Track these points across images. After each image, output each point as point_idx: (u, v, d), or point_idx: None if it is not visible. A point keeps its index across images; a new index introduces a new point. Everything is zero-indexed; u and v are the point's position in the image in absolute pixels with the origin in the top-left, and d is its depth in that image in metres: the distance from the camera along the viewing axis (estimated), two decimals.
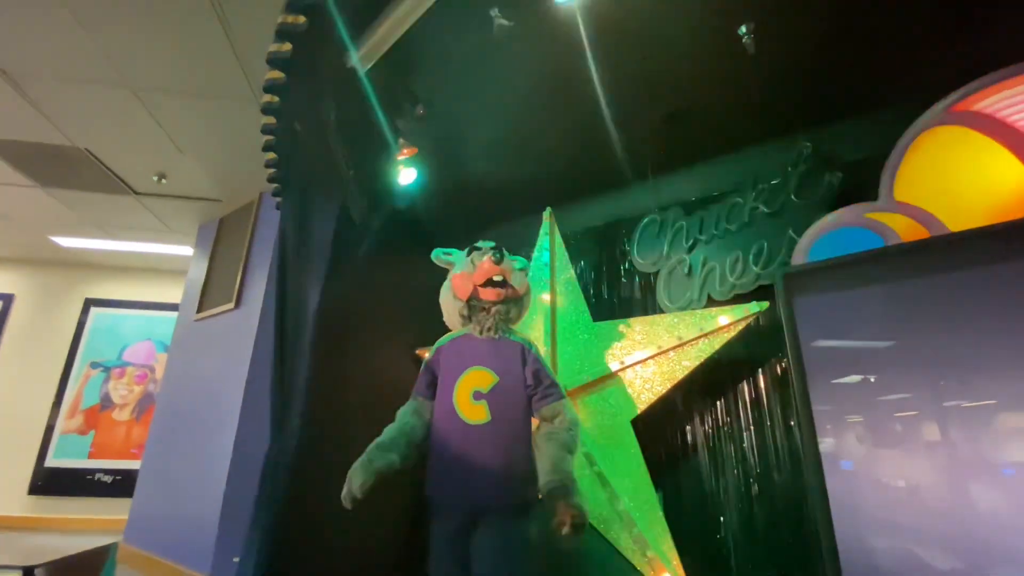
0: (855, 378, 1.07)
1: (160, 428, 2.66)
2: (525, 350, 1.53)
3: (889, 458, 1.07)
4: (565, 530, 1.25)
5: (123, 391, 3.71)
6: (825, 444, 1.07)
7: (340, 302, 2.14)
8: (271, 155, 1.77)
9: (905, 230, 1.11)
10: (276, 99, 1.52)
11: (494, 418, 1.45)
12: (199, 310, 2.73)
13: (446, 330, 2.60)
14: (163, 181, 2.60)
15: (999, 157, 1.01)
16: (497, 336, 1.56)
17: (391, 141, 1.98)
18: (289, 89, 1.51)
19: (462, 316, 1.63)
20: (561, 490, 1.31)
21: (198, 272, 2.92)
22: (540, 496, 1.51)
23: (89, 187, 2.69)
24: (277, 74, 1.41)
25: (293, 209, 1.97)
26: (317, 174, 2.04)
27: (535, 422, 1.59)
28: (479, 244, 1.61)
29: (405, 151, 1.94)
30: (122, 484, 3.47)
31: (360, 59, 1.65)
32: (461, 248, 1.70)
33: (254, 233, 2.62)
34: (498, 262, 1.52)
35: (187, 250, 3.48)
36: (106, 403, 3.68)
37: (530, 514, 1.47)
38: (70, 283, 3.91)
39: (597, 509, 1.83)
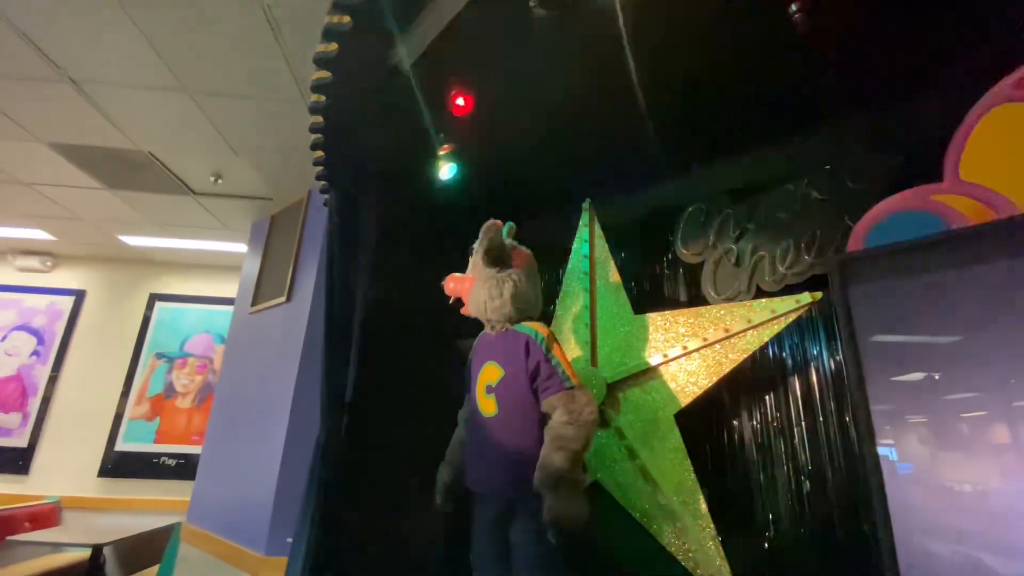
0: (917, 375, 1.01)
1: (219, 415, 2.82)
2: (530, 342, 1.50)
3: (953, 460, 1.00)
4: (548, 534, 1.26)
5: (185, 380, 3.96)
6: (883, 445, 1.01)
7: (383, 296, 2.20)
8: (319, 153, 1.83)
9: (973, 212, 1.03)
10: (323, 98, 1.57)
11: (501, 410, 1.49)
12: (253, 304, 2.86)
13: (483, 325, 2.65)
14: (219, 181, 2.74)
15: None
16: (503, 330, 1.59)
17: (433, 136, 2.00)
18: (335, 88, 1.55)
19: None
20: (541, 490, 1.30)
21: (252, 267, 3.06)
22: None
23: (151, 188, 2.87)
24: (324, 73, 1.46)
25: (339, 205, 2.04)
26: (361, 171, 2.10)
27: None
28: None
29: (445, 147, 1.96)
30: (184, 468, 3.70)
31: (403, 56, 1.68)
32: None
33: (303, 229, 2.72)
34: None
35: (241, 247, 3.66)
36: (170, 392, 3.93)
37: None
38: (136, 279, 4.19)
39: (639, 502, 1.81)
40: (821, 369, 1.74)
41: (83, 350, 4.01)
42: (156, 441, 3.79)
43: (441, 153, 1.99)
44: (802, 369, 1.78)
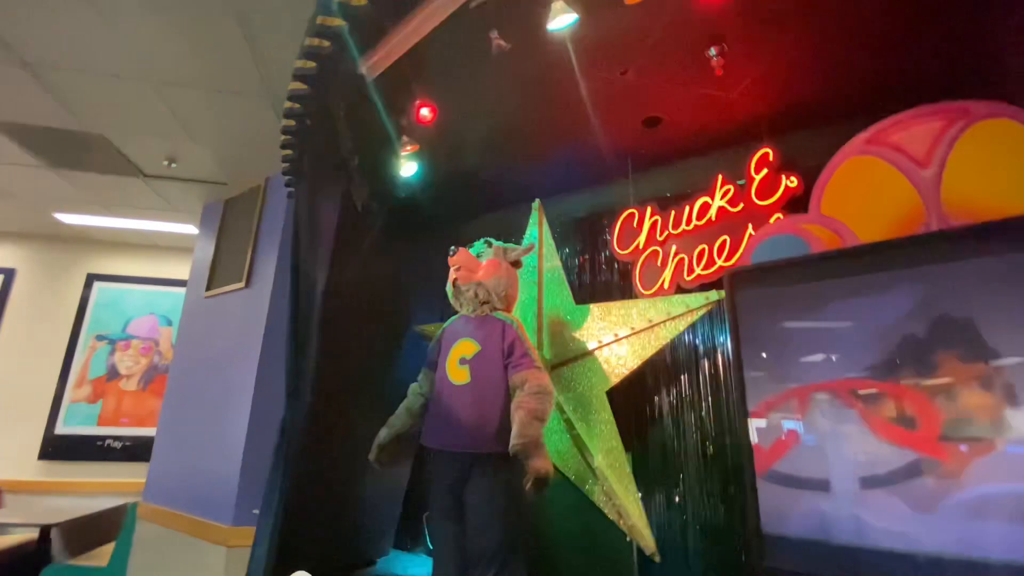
0: (780, 351, 1.31)
1: (175, 396, 2.86)
2: (506, 326, 1.82)
3: (798, 418, 1.32)
4: (528, 486, 1.55)
5: (129, 363, 3.88)
6: (752, 403, 1.31)
7: (344, 284, 2.35)
8: (287, 152, 1.94)
9: (828, 239, 1.36)
10: (298, 106, 1.69)
11: (474, 379, 1.74)
12: (209, 288, 2.90)
13: (437, 311, 2.87)
14: (172, 165, 2.74)
15: (898, 183, 1.26)
16: (483, 314, 1.88)
17: (394, 138, 2.16)
18: (309, 97, 1.68)
19: (454, 299, 1.96)
20: (523, 453, 1.56)
21: (205, 251, 3.07)
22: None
23: (99, 169, 2.81)
24: (301, 86, 1.59)
25: (304, 196, 2.15)
26: (325, 165, 2.22)
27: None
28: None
29: (408, 147, 2.12)
30: (132, 449, 3.68)
31: (369, 68, 1.83)
32: (454, 235, 2.05)
33: (261, 216, 2.78)
34: (452, 254, 1.92)
35: (190, 228, 3.61)
36: (113, 374, 3.85)
37: (512, 464, 1.74)
38: (72, 258, 4.02)
39: (575, 466, 2.11)
40: (725, 354, 2.09)
41: (15, 330, 3.83)
42: (100, 423, 3.72)
43: (404, 153, 2.15)
44: (710, 354, 2.12)
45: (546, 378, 1.75)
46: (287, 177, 2.15)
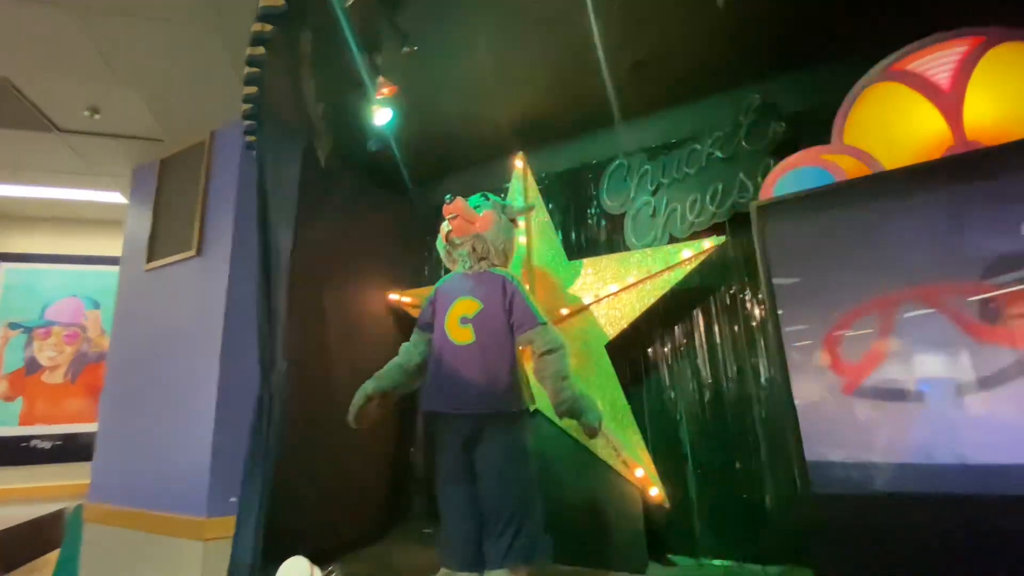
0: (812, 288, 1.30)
1: (118, 385, 2.53)
2: (506, 282, 1.73)
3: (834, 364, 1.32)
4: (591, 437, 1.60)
5: (51, 352, 3.41)
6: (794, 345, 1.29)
7: (313, 244, 2.14)
8: (248, 106, 1.70)
9: (853, 168, 1.36)
10: (262, 50, 1.47)
11: (478, 339, 1.65)
12: (150, 260, 2.56)
13: (418, 271, 2.72)
14: (95, 116, 2.35)
15: (924, 109, 1.27)
16: (481, 270, 1.78)
17: (367, 80, 1.95)
18: (274, 40, 1.46)
19: (447, 255, 1.84)
20: (571, 414, 1.59)
21: (140, 220, 2.70)
22: (530, 409, 1.78)
23: (1, 123, 2.37)
24: (265, 27, 1.37)
25: (269, 149, 1.91)
26: (290, 115, 1.98)
27: (525, 354, 1.80)
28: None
29: (385, 89, 1.92)
30: (64, 449, 3.26)
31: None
32: (430, 193, 1.89)
33: (208, 176, 2.47)
34: (448, 202, 1.75)
35: (116, 196, 3.17)
36: (33, 366, 3.37)
37: (521, 423, 1.69)
38: None
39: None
40: (718, 301, 2.10)
41: None
42: (22, 423, 3.27)
43: (379, 96, 1.95)
44: (705, 303, 2.13)
45: (553, 332, 1.70)
46: (248, 126, 1.89)
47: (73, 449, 3.21)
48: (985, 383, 1.06)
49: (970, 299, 1.10)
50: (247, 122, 1.87)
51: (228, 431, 2.08)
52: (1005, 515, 1.04)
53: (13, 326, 3.41)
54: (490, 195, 1.91)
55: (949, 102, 1.24)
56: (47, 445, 3.29)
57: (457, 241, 1.78)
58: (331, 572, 1.77)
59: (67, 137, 2.55)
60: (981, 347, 1.08)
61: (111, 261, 3.51)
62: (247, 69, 1.60)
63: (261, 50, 1.49)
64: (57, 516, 2.93)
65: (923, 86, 1.27)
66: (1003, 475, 1.03)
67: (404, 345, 1.85)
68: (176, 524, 2.07)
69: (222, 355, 2.17)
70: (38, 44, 1.94)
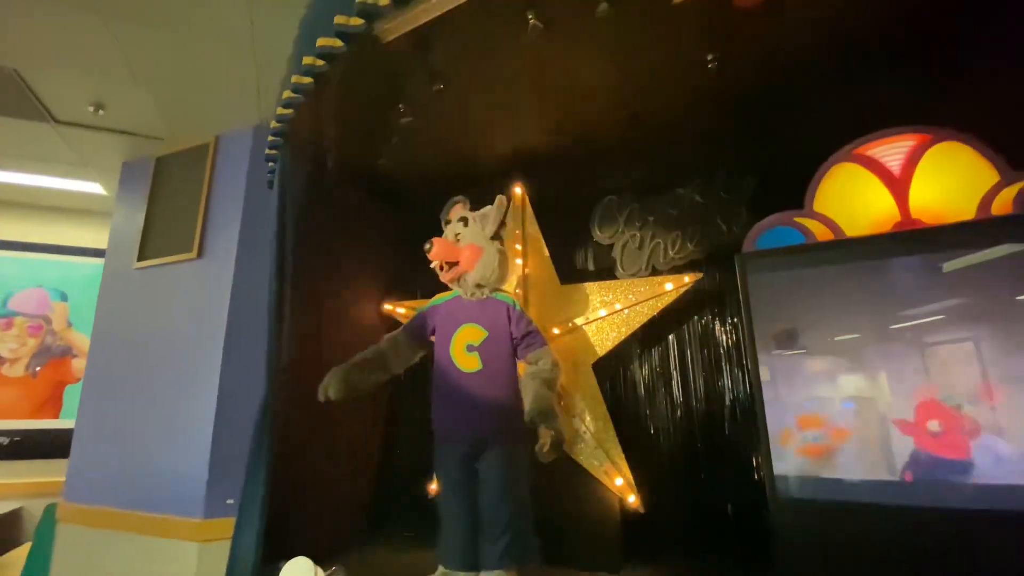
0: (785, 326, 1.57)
1: (101, 381, 2.49)
2: (510, 308, 1.84)
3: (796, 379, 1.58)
4: (545, 449, 1.61)
5: (12, 344, 3.24)
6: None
7: (317, 254, 2.23)
8: (287, 111, 1.79)
9: (821, 233, 1.63)
10: (310, 81, 1.57)
11: (485, 366, 1.75)
12: (141, 257, 2.54)
13: (412, 284, 2.81)
14: (100, 112, 2.33)
15: (878, 189, 1.56)
16: (483, 297, 1.84)
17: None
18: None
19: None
20: (540, 417, 1.64)
21: (130, 215, 2.67)
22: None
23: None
24: (318, 61, 1.49)
25: (287, 165, 2.00)
26: (311, 134, 2.07)
27: (521, 367, 1.95)
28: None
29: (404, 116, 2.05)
30: (23, 446, 3.11)
31: (382, 32, 1.74)
32: (437, 202, 1.98)
33: (212, 179, 2.49)
34: (428, 251, 1.74)
35: (94, 187, 3.09)
36: None
37: (524, 438, 1.83)
38: None
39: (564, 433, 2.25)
40: (693, 330, 2.36)
41: None
42: None
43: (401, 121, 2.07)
44: (680, 331, 2.38)
45: (554, 352, 1.85)
46: (274, 142, 1.96)
47: (33, 445, 3.08)
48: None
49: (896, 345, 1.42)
50: (272, 138, 1.95)
51: (228, 431, 2.12)
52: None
53: None
54: (468, 213, 1.93)
55: (899, 186, 1.53)
56: (4, 441, 3.13)
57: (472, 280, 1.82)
58: (334, 572, 1.85)
59: (62, 129, 2.50)
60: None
61: (81, 252, 3.39)
62: (287, 94, 1.69)
63: (309, 80, 1.58)
64: (15, 515, 2.82)
65: (879, 170, 1.56)
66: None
67: (388, 335, 1.90)
68: (167, 525, 2.09)
69: (224, 357, 2.21)
70: (57, 41, 1.95)
